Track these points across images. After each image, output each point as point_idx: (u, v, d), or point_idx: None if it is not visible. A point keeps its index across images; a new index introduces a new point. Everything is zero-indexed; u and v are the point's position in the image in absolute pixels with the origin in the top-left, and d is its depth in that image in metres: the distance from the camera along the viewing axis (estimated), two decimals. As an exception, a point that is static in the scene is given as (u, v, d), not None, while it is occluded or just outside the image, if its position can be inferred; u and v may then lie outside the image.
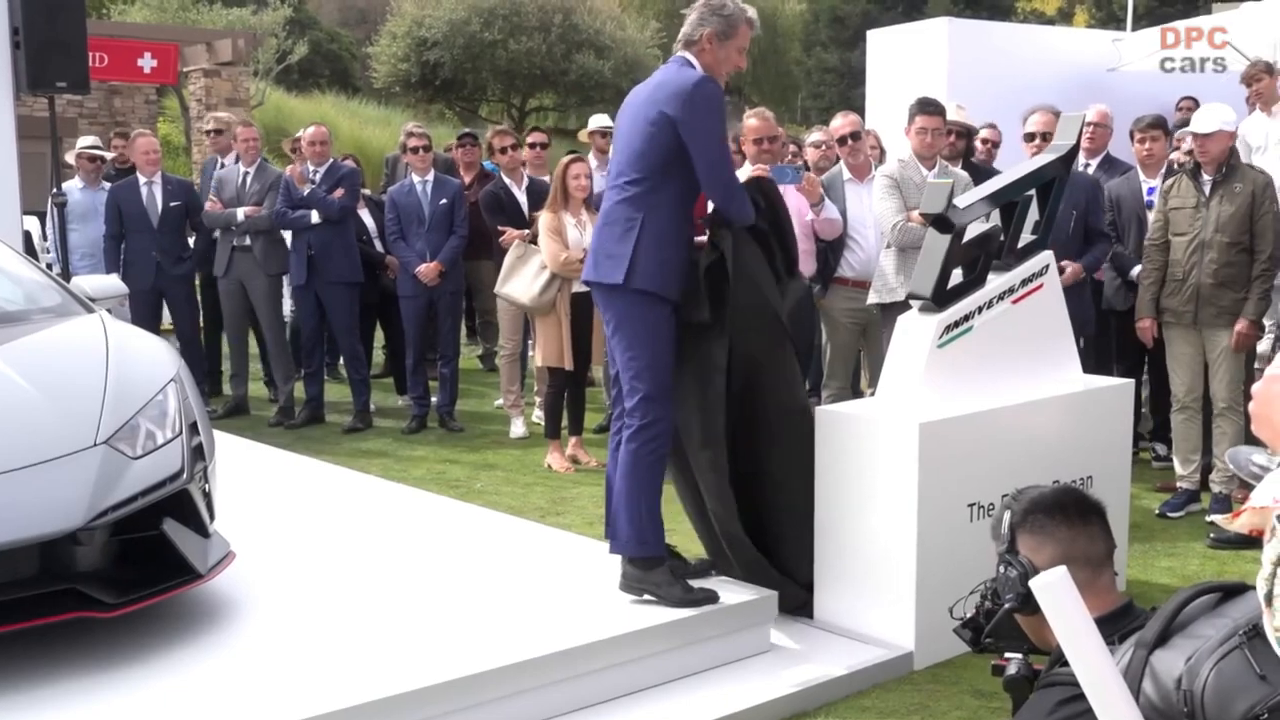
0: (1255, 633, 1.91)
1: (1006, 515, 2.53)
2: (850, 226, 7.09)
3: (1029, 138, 7.02)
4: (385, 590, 4.54)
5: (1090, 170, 7.45)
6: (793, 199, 6.79)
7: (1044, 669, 2.39)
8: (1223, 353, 6.33)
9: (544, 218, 7.48)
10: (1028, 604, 2.37)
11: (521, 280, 7.56)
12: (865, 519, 4.64)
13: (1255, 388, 1.73)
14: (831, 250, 7.14)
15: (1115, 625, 2.24)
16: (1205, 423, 6.56)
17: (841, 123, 7.34)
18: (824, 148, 7.87)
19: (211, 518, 4.23)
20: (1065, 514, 2.46)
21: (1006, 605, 2.44)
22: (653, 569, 4.36)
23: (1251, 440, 6.33)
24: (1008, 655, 2.51)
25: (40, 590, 3.71)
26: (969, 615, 2.63)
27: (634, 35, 36.00)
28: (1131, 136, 7.30)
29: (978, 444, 4.69)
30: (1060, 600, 1.96)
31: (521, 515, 6.13)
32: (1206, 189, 6.32)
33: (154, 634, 4.00)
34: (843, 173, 7.22)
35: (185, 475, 4.04)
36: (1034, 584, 2.00)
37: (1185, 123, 7.67)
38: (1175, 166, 7.18)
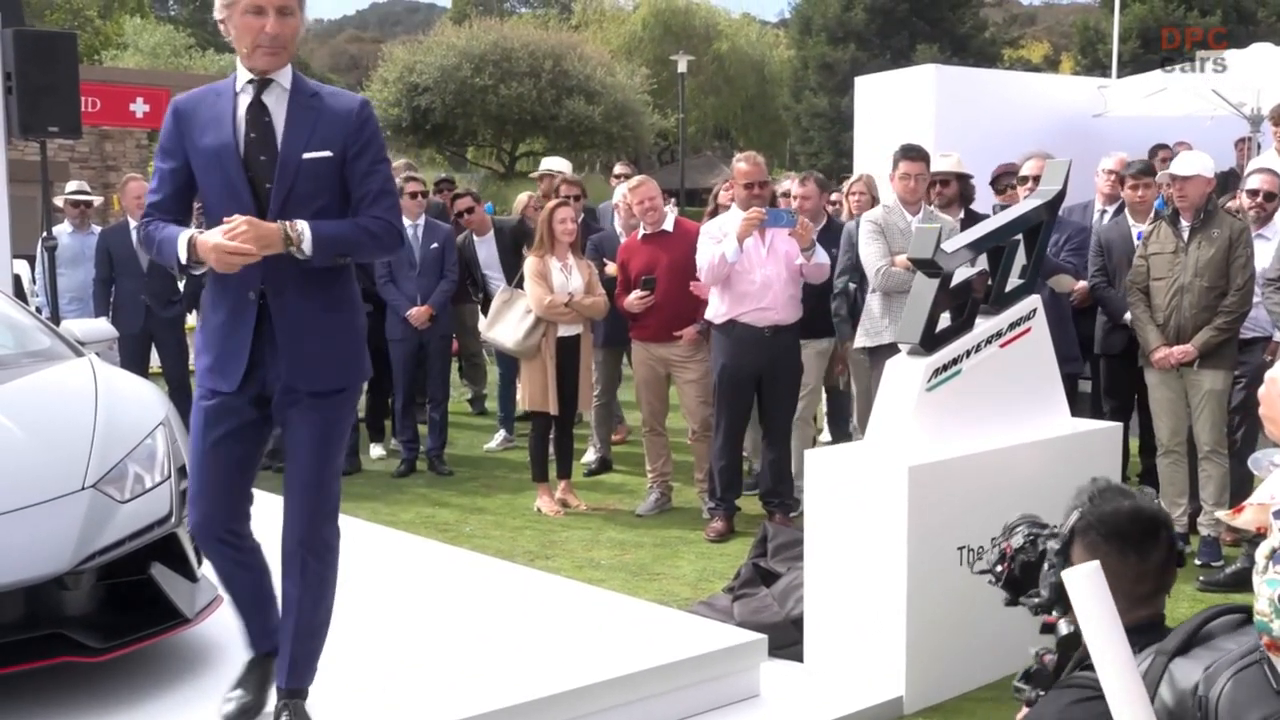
0: None
1: (1075, 514, 2.48)
2: None
3: (1022, 180, 7.08)
4: (372, 635, 4.52)
5: (1107, 217, 7.49)
6: (783, 243, 6.83)
7: (1065, 672, 2.42)
8: (1205, 396, 6.33)
9: (530, 262, 7.51)
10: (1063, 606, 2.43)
11: (507, 324, 7.57)
12: (855, 562, 4.64)
13: (1260, 392, 1.77)
14: (861, 294, 7.13)
15: (1143, 637, 2.21)
16: (1191, 467, 6.56)
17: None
18: (790, 196, 7.90)
19: (199, 562, 4.21)
20: (1122, 544, 2.42)
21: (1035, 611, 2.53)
22: None
23: (1236, 487, 6.31)
24: (1056, 615, 2.53)
25: (26, 635, 3.69)
26: (998, 569, 2.70)
27: (623, 81, 36.28)
28: (1122, 182, 7.34)
29: (967, 487, 4.69)
30: (1089, 595, 1.97)
31: (510, 559, 6.11)
32: (1185, 234, 6.35)
33: (141, 679, 3.97)
34: None
35: (173, 519, 4.04)
36: (1065, 574, 2.05)
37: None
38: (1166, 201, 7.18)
